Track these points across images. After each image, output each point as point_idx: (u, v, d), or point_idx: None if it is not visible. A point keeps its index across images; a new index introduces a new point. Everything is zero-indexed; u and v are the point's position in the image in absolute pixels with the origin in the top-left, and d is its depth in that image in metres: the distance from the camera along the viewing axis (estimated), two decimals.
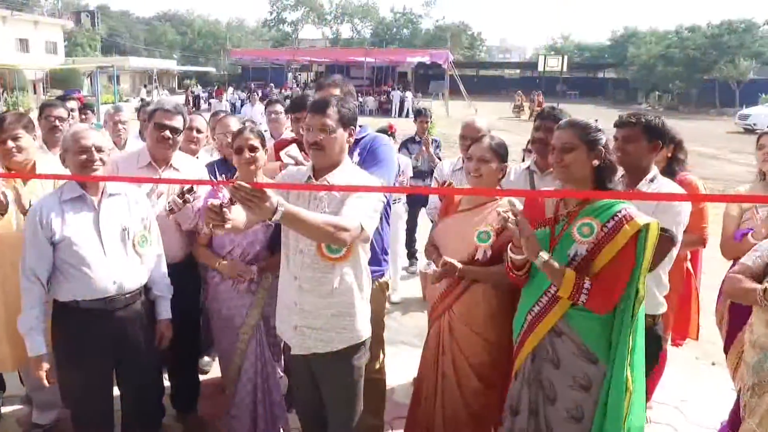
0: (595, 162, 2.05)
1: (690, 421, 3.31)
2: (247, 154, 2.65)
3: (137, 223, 2.40)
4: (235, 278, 2.67)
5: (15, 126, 2.67)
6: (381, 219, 2.44)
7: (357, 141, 2.57)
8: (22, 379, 3.15)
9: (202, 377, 3.40)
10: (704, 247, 3.01)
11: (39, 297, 2.27)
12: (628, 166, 2.38)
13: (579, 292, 1.96)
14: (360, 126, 2.66)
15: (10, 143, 2.66)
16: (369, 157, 2.57)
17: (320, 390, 2.31)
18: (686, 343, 3.58)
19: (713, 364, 4.08)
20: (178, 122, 2.78)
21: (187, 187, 2.67)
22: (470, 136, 3.35)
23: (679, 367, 3.73)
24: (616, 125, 2.48)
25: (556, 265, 2.00)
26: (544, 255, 1.99)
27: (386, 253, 2.76)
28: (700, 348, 4.14)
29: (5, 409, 3.22)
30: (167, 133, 2.74)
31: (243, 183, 1.75)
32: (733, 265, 2.52)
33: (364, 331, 2.27)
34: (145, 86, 34.29)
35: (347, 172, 2.21)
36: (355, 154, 2.57)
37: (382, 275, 2.72)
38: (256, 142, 2.67)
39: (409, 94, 28.43)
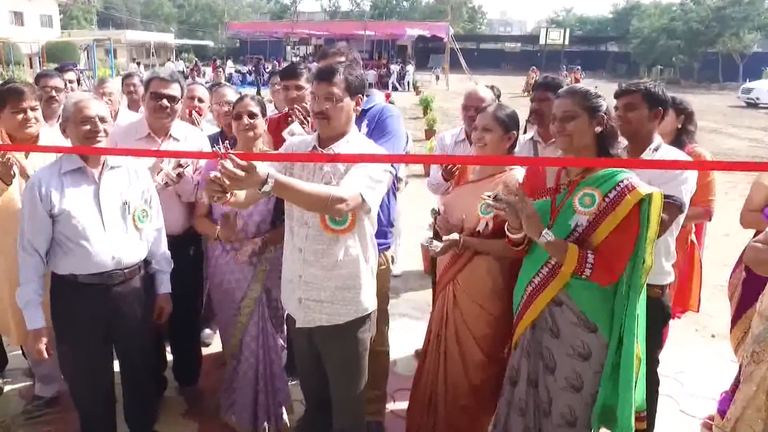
0: (598, 129, 2.02)
1: (688, 391, 3.34)
2: (245, 120, 2.61)
3: (138, 197, 2.37)
4: (234, 243, 2.62)
5: (34, 97, 2.65)
6: (387, 192, 2.43)
7: (365, 111, 2.51)
8: (24, 352, 3.17)
9: (203, 350, 3.41)
10: (709, 220, 2.99)
11: (36, 270, 2.25)
12: (631, 135, 2.34)
13: (583, 266, 1.95)
14: (367, 95, 2.60)
15: (30, 113, 2.63)
16: (377, 129, 2.52)
17: (323, 363, 2.30)
18: (685, 315, 3.61)
19: (713, 336, 4.11)
20: (174, 90, 2.72)
21: (180, 160, 2.64)
22: (473, 105, 3.30)
23: (678, 339, 3.76)
24: (616, 94, 2.44)
25: (560, 242, 1.99)
26: (547, 235, 1.96)
27: (392, 226, 2.74)
28: (700, 321, 4.17)
29: (8, 382, 3.24)
30: (164, 102, 2.68)
31: (230, 160, 1.66)
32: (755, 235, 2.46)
33: (370, 303, 2.24)
34: (133, 59, 33.72)
35: (354, 142, 2.15)
36: (363, 125, 2.51)
37: (387, 248, 2.69)
38: (255, 109, 2.62)
39: (410, 68, 28.09)
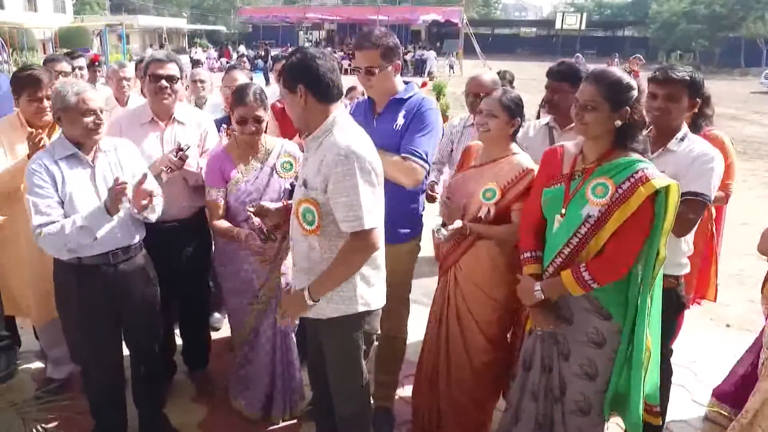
0: (618, 122, 1.92)
1: (701, 381, 3.30)
2: (251, 126, 2.52)
3: (131, 178, 2.35)
4: (255, 252, 2.57)
5: (51, 84, 2.65)
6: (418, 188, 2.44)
7: (403, 100, 2.41)
8: (37, 335, 3.19)
9: (212, 334, 3.41)
10: (726, 203, 2.91)
11: (63, 221, 2.15)
12: (663, 126, 2.23)
13: (584, 283, 1.94)
14: (406, 83, 2.50)
15: (46, 102, 2.64)
16: (415, 120, 2.38)
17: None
18: (701, 305, 3.53)
19: (728, 326, 4.05)
20: (172, 70, 2.67)
21: (179, 143, 2.61)
22: (471, 92, 3.24)
23: (693, 329, 3.68)
24: (656, 81, 2.27)
25: (551, 282, 2.03)
26: (539, 295, 2.05)
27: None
28: (714, 310, 4.10)
29: (21, 365, 3.28)
30: (163, 82, 2.64)
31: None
32: None
33: (360, 305, 2.07)
34: (151, 46, 33.79)
35: (331, 132, 1.94)
36: (401, 114, 2.39)
37: (414, 237, 2.63)
38: (260, 112, 2.53)
39: (432, 54, 27.73)
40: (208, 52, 28.81)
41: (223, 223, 2.61)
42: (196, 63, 16.26)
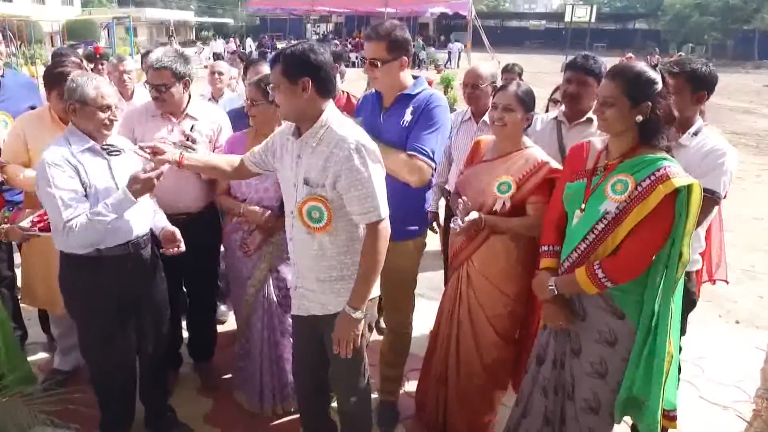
0: (639, 118, 1.88)
1: (709, 377, 3.27)
2: (247, 108, 2.61)
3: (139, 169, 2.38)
4: (263, 227, 2.63)
5: None
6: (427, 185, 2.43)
7: (411, 96, 2.37)
8: (50, 325, 3.20)
9: (218, 327, 3.42)
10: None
11: (90, 216, 2.12)
12: None
13: (599, 283, 1.91)
14: (415, 77, 2.47)
15: None
16: (423, 118, 2.33)
17: (323, 346, 2.22)
18: (710, 301, 3.49)
19: (737, 322, 4.01)
20: (162, 78, 2.64)
21: (185, 131, 2.61)
22: (470, 82, 3.20)
23: (701, 325, 3.66)
24: None
25: (565, 278, 2.02)
26: (552, 290, 2.04)
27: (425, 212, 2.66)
28: (724, 306, 4.07)
29: (28, 357, 3.30)
30: (153, 92, 2.67)
31: None
32: None
33: None
34: (169, 36, 33.74)
35: (329, 127, 1.92)
36: (408, 111, 2.36)
37: (420, 234, 2.62)
38: (257, 97, 2.55)
39: (457, 45, 27.40)
40: (228, 45, 28.91)
41: (229, 200, 2.72)
42: (218, 56, 16.23)
